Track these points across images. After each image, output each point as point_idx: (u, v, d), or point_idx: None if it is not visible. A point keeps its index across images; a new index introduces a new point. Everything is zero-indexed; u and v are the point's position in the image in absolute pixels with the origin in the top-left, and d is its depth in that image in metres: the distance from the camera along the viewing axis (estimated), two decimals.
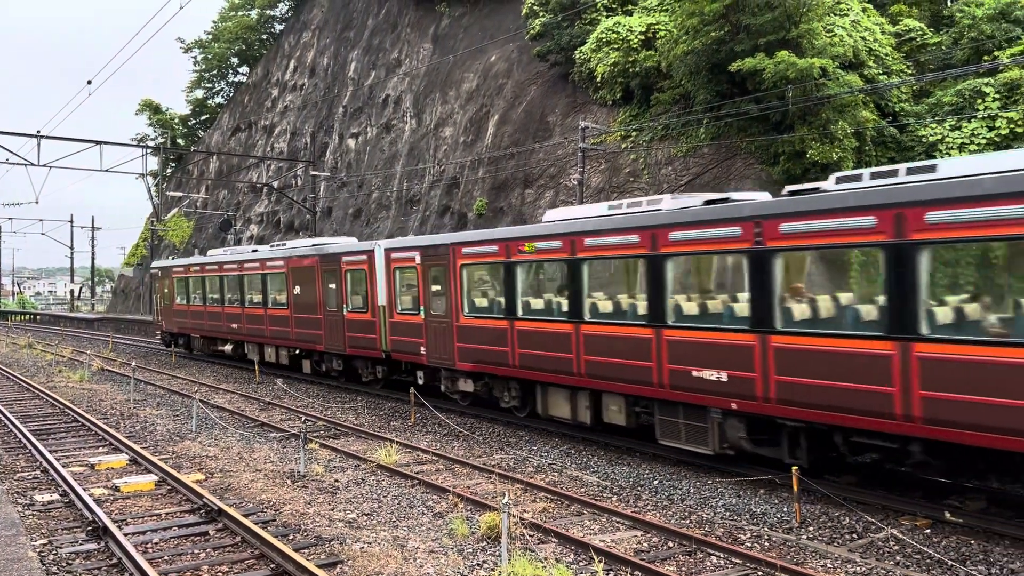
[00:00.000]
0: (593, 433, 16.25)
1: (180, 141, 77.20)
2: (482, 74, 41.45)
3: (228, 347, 31.11)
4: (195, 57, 75.40)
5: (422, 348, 19.62)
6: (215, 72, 76.36)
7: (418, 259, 19.47)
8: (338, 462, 15.01)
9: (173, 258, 41.96)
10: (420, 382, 20.58)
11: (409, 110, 46.74)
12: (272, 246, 28.47)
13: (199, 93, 77.68)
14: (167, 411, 21.35)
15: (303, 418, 19.47)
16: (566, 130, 33.56)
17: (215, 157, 67.41)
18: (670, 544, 10.13)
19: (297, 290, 25.09)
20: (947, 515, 10.59)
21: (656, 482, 13.09)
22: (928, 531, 10.38)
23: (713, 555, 9.66)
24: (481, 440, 16.75)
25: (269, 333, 27.30)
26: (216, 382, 27.37)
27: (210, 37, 74.42)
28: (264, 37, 73.29)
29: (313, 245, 25.66)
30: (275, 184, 55.09)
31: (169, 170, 76.74)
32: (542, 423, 17.46)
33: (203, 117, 78.67)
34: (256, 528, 10.32)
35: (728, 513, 11.39)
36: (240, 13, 73.36)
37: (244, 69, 75.22)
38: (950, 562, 9.20)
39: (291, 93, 61.64)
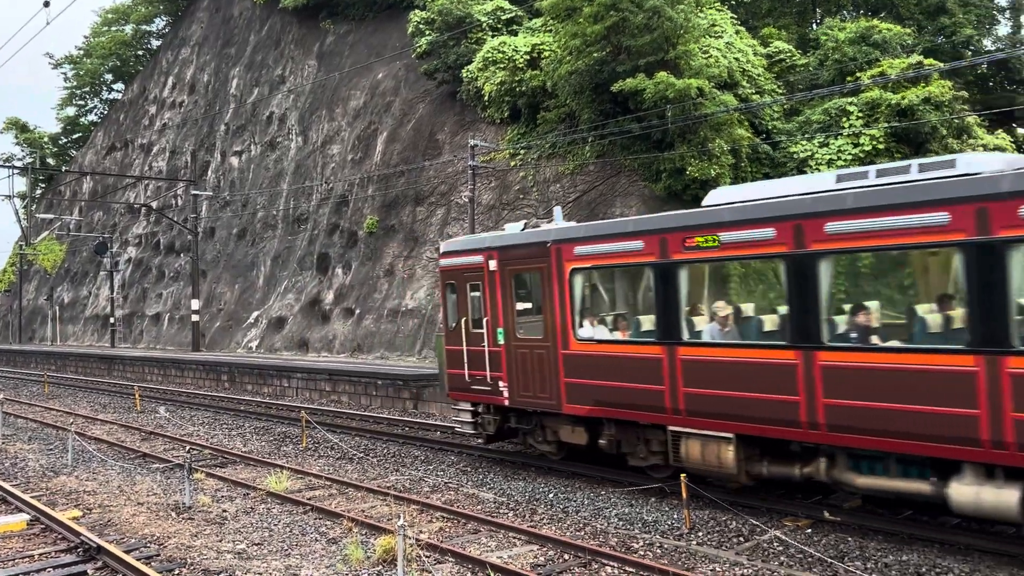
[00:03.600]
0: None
1: (50, 161, 73.53)
2: (369, 91, 41.18)
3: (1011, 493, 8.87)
4: (66, 73, 72.23)
5: None
6: (88, 89, 73.22)
7: None
8: (226, 491, 14.53)
9: (549, 221, 17.70)
10: None
11: (295, 127, 45.94)
12: None
13: (71, 111, 74.38)
14: (40, 445, 20.19)
15: (187, 447, 18.75)
16: (455, 148, 33.69)
17: (89, 177, 64.41)
18: (566, 556, 10.23)
19: None
20: (826, 514, 11.10)
21: (551, 495, 13.22)
22: (809, 531, 10.84)
23: (608, 565, 9.81)
24: (376, 462, 16.53)
25: None
26: (93, 412, 26.06)
27: (82, 52, 71.35)
28: (140, 53, 70.72)
29: None
30: (154, 204, 53.13)
31: (39, 191, 72.93)
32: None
33: (75, 136, 75.24)
34: (139, 564, 9.87)
35: (621, 523, 11.61)
36: (114, 28, 70.62)
37: (119, 86, 72.37)
38: (830, 559, 9.63)
39: (170, 111, 59.65)
